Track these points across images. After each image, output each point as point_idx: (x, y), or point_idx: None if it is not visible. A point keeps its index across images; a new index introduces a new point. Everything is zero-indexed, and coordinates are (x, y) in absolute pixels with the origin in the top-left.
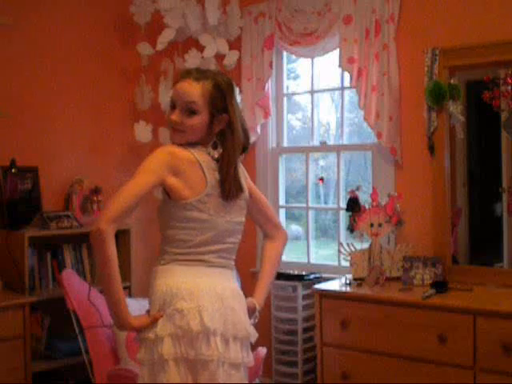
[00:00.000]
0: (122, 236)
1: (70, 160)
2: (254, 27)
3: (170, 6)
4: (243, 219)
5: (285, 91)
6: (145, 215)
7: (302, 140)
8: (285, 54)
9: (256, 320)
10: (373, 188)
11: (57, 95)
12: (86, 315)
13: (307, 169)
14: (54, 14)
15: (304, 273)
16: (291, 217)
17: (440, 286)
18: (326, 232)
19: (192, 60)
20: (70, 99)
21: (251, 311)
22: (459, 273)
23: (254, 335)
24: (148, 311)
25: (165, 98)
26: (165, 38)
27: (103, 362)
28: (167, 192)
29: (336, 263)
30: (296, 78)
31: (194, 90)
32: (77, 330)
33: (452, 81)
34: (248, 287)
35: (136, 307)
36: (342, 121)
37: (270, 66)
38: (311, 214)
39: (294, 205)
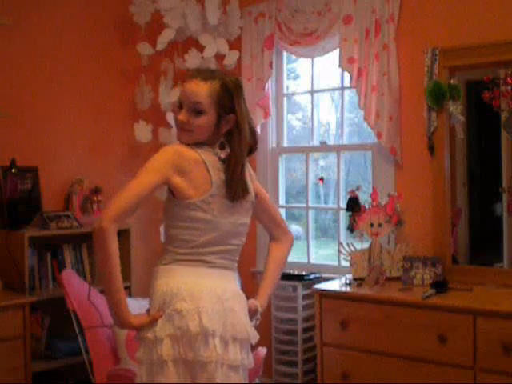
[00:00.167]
0: (122, 236)
1: (70, 160)
2: (254, 27)
3: (170, 6)
4: (248, 221)
5: (285, 91)
6: (145, 215)
7: (302, 140)
8: (285, 54)
9: (257, 322)
10: (373, 188)
11: (57, 95)
12: (86, 315)
13: (307, 169)
14: (54, 14)
15: (304, 273)
16: (291, 217)
17: (440, 286)
18: (326, 232)
19: (192, 60)
20: (70, 99)
21: (253, 313)
22: (459, 273)
23: (254, 337)
24: (148, 310)
25: (165, 98)
26: (165, 38)
27: (103, 361)
28: (172, 191)
29: (336, 263)
30: (296, 78)
31: (201, 90)
32: (77, 330)
33: (452, 81)
34: (248, 287)
35: (136, 307)
36: (342, 121)
37: (270, 66)
38: (311, 213)
39: (294, 205)
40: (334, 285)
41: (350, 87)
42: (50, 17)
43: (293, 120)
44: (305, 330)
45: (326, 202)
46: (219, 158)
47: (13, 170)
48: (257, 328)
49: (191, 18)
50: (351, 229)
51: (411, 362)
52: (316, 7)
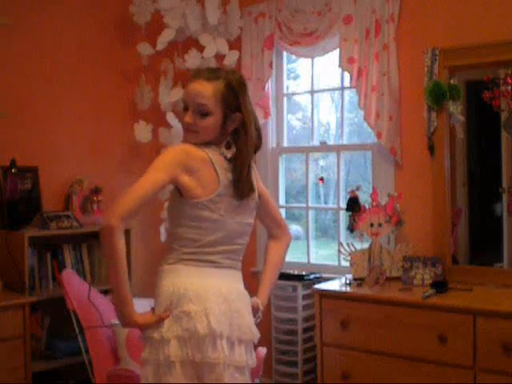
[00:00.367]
0: None
1: (70, 160)
2: (254, 27)
3: (170, 6)
4: (252, 221)
5: (285, 91)
6: (145, 215)
7: (302, 140)
8: (285, 54)
9: (259, 320)
10: (373, 188)
11: (57, 95)
12: (86, 315)
13: (307, 169)
14: (54, 14)
15: (304, 273)
16: (291, 217)
17: (440, 286)
18: (326, 232)
19: (192, 60)
20: (70, 99)
21: (255, 311)
22: (459, 273)
23: (256, 336)
24: (153, 309)
25: (165, 98)
26: (165, 38)
27: (103, 362)
28: (179, 190)
29: (336, 263)
30: (296, 78)
31: (206, 91)
32: (77, 330)
33: (452, 81)
34: (248, 287)
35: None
36: (342, 121)
37: (270, 66)
38: (311, 213)
39: (294, 205)
40: (333, 285)
41: (350, 87)
42: (50, 17)
43: (293, 120)
44: (305, 330)
45: (326, 202)
46: (225, 157)
47: (13, 170)
48: (258, 326)
49: (191, 18)
50: (351, 229)
51: (411, 361)
52: (316, 7)
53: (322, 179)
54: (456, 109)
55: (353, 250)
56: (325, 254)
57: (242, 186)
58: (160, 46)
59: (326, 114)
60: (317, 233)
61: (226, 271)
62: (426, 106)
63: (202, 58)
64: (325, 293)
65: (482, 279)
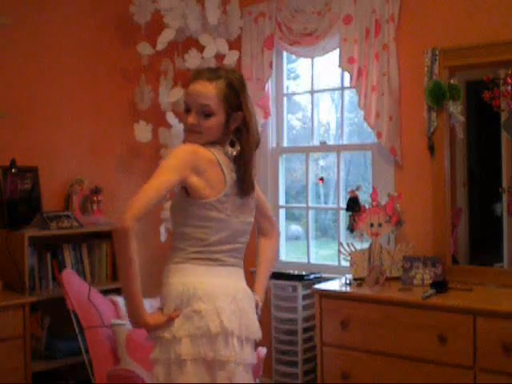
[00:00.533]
0: None
1: (70, 160)
2: (254, 27)
3: (170, 6)
4: (253, 220)
5: (285, 91)
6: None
7: (302, 140)
8: (285, 54)
9: (258, 316)
10: (373, 188)
11: (57, 95)
12: (86, 315)
13: (307, 169)
14: (53, 14)
15: (304, 273)
16: (291, 217)
17: (440, 286)
18: (326, 232)
19: (192, 60)
20: (70, 99)
21: (255, 307)
22: (459, 273)
23: (259, 334)
24: (160, 309)
25: (165, 98)
26: (165, 38)
27: (103, 362)
28: (187, 190)
29: (336, 263)
30: (296, 78)
31: (208, 92)
32: (77, 330)
33: (452, 81)
34: (248, 287)
35: None
36: (342, 121)
37: (270, 66)
38: (311, 213)
39: (293, 205)
40: (333, 285)
41: (350, 87)
42: (50, 17)
43: (293, 120)
44: (305, 330)
45: (326, 202)
46: (230, 156)
47: (13, 170)
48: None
49: (191, 18)
50: (351, 229)
51: (411, 361)
52: (316, 7)
53: (321, 179)
54: (456, 109)
55: (353, 249)
56: (325, 254)
57: (245, 185)
58: (160, 46)
59: (326, 113)
60: (317, 233)
61: (230, 269)
62: (426, 105)
63: (202, 58)
64: (325, 293)
65: (482, 279)
